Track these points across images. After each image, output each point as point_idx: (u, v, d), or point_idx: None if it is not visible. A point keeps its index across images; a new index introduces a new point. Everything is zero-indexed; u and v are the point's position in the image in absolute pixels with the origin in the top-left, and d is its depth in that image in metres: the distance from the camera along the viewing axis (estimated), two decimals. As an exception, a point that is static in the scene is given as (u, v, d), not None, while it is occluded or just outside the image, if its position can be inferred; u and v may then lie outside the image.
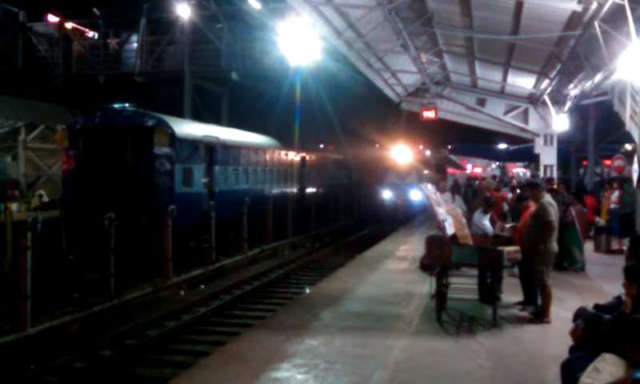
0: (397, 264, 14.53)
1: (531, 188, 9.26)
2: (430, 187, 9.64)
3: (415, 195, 29.04)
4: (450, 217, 9.14)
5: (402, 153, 32.29)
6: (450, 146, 51.10)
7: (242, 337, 8.58)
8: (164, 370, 9.13)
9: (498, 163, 61.15)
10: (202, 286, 15.18)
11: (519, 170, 57.77)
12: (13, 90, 25.16)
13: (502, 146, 41.88)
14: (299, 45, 15.08)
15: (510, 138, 31.34)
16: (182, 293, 14.43)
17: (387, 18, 12.90)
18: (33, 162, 26.81)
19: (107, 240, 12.79)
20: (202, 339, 10.68)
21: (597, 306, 5.36)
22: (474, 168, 69.67)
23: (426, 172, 33.93)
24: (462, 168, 64.32)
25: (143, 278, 14.69)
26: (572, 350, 5.28)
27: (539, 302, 8.97)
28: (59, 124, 23.49)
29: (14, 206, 21.42)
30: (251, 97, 27.23)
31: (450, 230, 8.88)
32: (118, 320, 11.54)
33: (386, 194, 31.95)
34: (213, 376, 6.59)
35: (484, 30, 13.53)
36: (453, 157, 57.35)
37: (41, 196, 24.82)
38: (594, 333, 4.93)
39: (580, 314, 5.24)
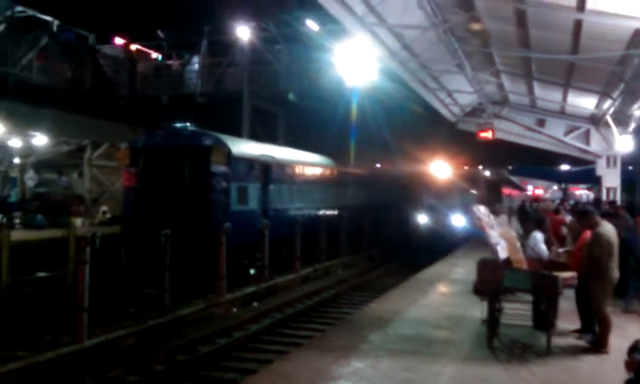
0: (450, 287, 14.29)
1: (580, 217, 8.93)
2: (482, 209, 9.42)
3: (458, 220, 26.81)
4: (502, 240, 8.92)
5: (444, 171, 29.52)
6: (510, 167, 49.99)
7: (289, 356, 8.60)
8: (214, 387, 9.27)
9: (561, 185, 59.41)
10: (255, 304, 15.32)
11: (583, 192, 55.90)
12: (80, 109, 26.26)
13: (565, 167, 40.67)
14: (355, 65, 15.18)
15: (570, 160, 30.36)
16: (235, 310, 14.61)
17: (441, 38, 12.83)
18: (97, 178, 27.86)
19: (163, 256, 13.11)
20: (253, 357, 10.77)
21: (656, 339, 5.11)
22: (535, 189, 67.85)
23: (474, 192, 31.93)
24: (522, 189, 62.78)
25: (197, 294, 14.96)
26: (627, 383, 5.05)
27: (597, 330, 8.63)
28: (123, 142, 24.39)
29: (78, 222, 22.30)
30: (307, 116, 27.48)
31: (502, 253, 8.66)
32: (172, 335, 11.78)
33: (422, 219, 29.07)
34: (257, 395, 6.64)
35: (542, 50, 13.25)
36: (514, 178, 56.08)
37: (104, 212, 25.75)
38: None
39: (637, 347, 5.01)
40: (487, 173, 44.47)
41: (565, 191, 52.41)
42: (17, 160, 28.19)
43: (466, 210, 21.66)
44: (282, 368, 7.73)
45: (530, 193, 62.08)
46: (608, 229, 8.43)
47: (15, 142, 26.37)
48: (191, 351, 10.84)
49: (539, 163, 38.72)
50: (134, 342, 11.22)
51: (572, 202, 24.86)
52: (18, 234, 17.35)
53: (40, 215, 23.40)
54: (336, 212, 24.42)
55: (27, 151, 27.43)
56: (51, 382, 9.10)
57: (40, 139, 26.36)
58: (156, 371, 9.79)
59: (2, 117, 22.07)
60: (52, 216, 23.96)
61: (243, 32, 25.73)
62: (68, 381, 9.15)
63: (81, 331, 10.22)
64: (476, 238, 14.87)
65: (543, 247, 10.15)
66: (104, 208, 26.17)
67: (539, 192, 64.31)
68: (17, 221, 22.71)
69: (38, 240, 18.07)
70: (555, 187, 64.66)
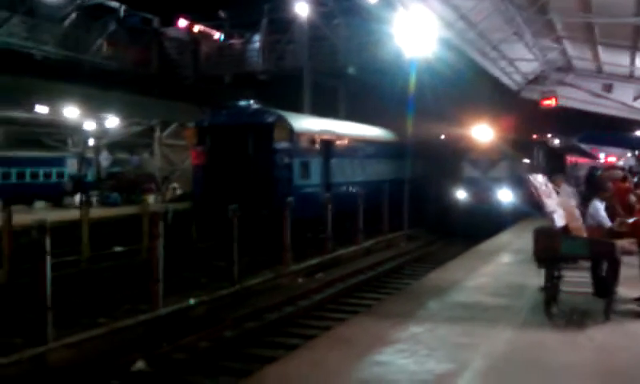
0: (511, 256, 14.26)
1: None
2: (540, 178, 9.43)
3: (505, 195, 22.96)
4: (560, 208, 8.95)
5: (487, 135, 24.79)
6: (579, 135, 48.37)
7: (348, 322, 8.97)
8: (279, 351, 9.75)
9: (635, 152, 56.93)
10: (319, 275, 15.78)
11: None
12: (147, 91, 27.33)
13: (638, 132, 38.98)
14: (412, 37, 15.20)
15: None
16: (300, 280, 15.13)
17: (498, 6, 12.73)
18: (167, 157, 29.01)
19: (231, 230, 13.73)
20: (317, 324, 11.20)
21: None
22: (607, 157, 65.30)
23: (526, 161, 28.78)
24: (593, 157, 60.64)
25: (264, 265, 15.55)
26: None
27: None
28: (190, 121, 25.30)
29: (150, 198, 23.42)
30: (366, 89, 27.54)
31: (559, 221, 8.71)
32: (240, 304, 12.38)
33: (460, 194, 24.07)
34: (318, 357, 7.02)
35: (604, 13, 12.91)
36: (584, 145, 54.25)
37: (174, 189, 26.87)
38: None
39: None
40: (556, 141, 43.15)
41: (638, 158, 50.14)
42: (91, 141, 29.72)
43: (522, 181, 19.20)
44: (341, 333, 8.11)
45: (601, 161, 59.89)
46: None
47: (89, 125, 27.78)
48: (259, 319, 11.41)
49: (607, 129, 37.33)
50: (205, 310, 11.89)
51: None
52: (95, 212, 18.43)
53: (115, 193, 24.72)
54: (397, 183, 24.42)
55: (101, 133, 28.87)
56: (131, 345, 9.83)
57: (112, 121, 27.68)
58: (226, 337, 10.40)
59: (77, 101, 23.32)
60: (126, 194, 25.28)
61: (302, 8, 26.01)
62: (146, 345, 9.85)
63: (156, 300, 10.94)
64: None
65: (603, 214, 10.04)
66: (174, 185, 27.32)
67: (612, 160, 61.89)
68: (94, 199, 24.06)
69: (114, 217, 19.17)
70: (629, 154, 62.00)
